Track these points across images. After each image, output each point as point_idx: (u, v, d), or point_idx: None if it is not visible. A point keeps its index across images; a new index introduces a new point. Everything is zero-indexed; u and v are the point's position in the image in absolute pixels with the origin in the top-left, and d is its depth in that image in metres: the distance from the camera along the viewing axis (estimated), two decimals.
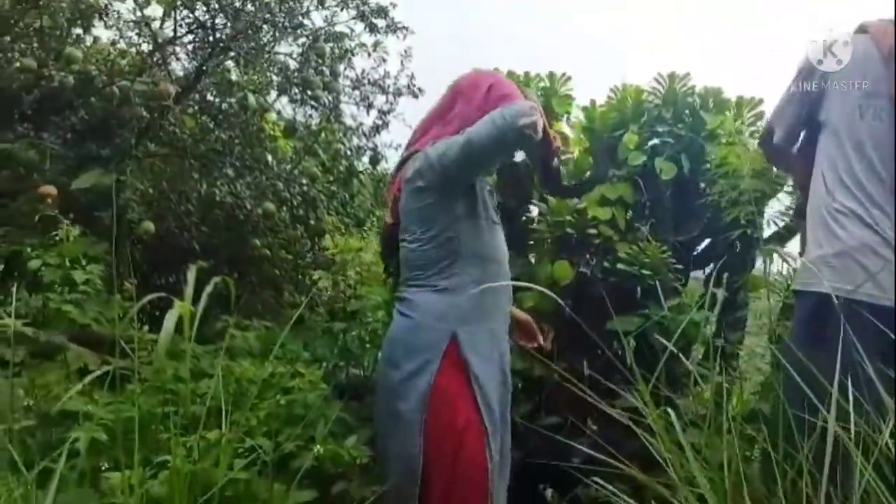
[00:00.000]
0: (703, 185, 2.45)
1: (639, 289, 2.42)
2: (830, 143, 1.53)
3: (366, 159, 2.86)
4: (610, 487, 1.43)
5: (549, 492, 2.42)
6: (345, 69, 2.93)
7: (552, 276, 2.51)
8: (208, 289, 1.74)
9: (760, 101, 2.35)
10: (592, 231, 2.51)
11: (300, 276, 2.72)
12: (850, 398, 1.05)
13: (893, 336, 1.21)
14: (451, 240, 1.62)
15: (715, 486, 1.23)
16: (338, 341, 2.21)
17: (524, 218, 2.86)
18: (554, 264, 2.55)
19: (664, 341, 1.45)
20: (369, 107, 2.83)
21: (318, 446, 1.38)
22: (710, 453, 1.58)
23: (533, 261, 2.77)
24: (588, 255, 2.54)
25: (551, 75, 2.76)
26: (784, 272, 2.15)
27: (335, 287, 2.87)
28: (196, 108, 3.00)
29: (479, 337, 1.64)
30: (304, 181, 2.70)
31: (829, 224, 1.47)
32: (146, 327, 2.60)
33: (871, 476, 0.98)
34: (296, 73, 2.79)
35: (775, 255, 2.17)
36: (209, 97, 3.06)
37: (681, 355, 1.53)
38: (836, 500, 1.06)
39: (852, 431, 1.02)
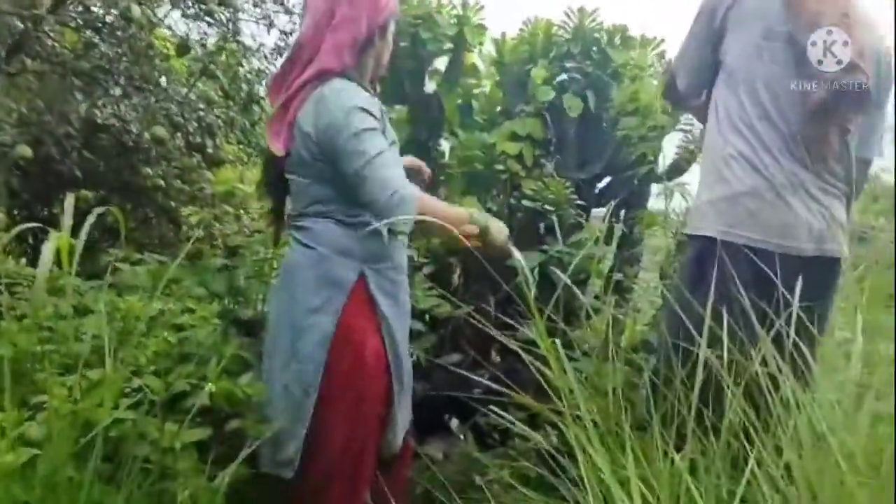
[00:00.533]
0: (605, 123, 2.48)
1: (542, 225, 2.47)
2: (726, 85, 1.53)
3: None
4: (506, 416, 1.49)
5: (453, 421, 2.49)
6: None
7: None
8: (90, 219, 1.62)
9: (662, 41, 2.39)
10: (500, 167, 2.51)
11: (199, 209, 2.58)
12: (725, 329, 1.11)
13: (776, 277, 1.27)
14: (349, 190, 1.51)
15: (601, 411, 1.29)
16: (231, 278, 2.13)
17: (434, 152, 2.82)
18: (462, 199, 2.55)
19: (560, 274, 1.48)
20: (270, 26, 2.64)
21: (210, 384, 1.33)
22: (599, 381, 1.66)
23: (443, 196, 2.76)
24: (495, 191, 2.55)
25: (464, 3, 2.68)
26: (680, 209, 2.24)
27: (237, 221, 2.75)
28: (78, 20, 2.71)
29: (386, 274, 1.60)
30: (201, 105, 2.52)
31: (720, 169, 1.50)
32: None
33: (739, 400, 1.05)
34: None
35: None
36: (93, 8, 2.77)
37: (575, 289, 1.58)
38: (707, 422, 1.13)
39: (724, 359, 1.09)
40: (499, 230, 1.61)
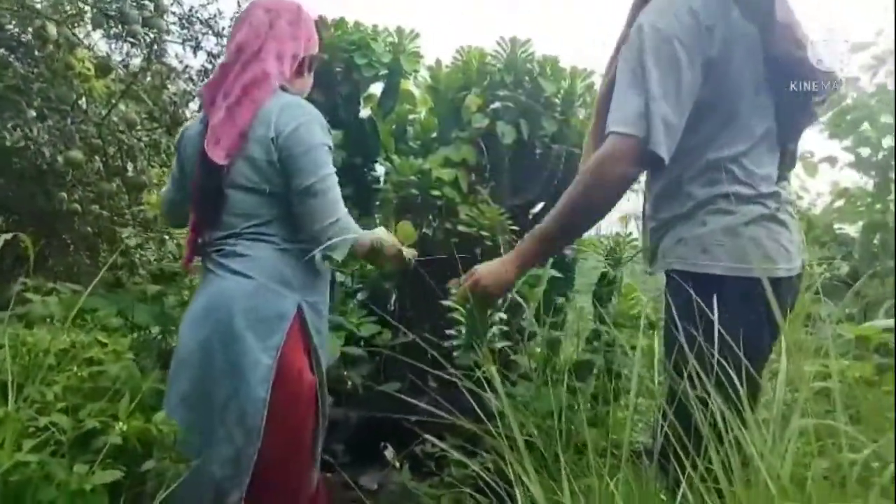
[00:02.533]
0: (539, 150, 2.52)
1: (479, 250, 2.47)
2: (709, 122, 1.32)
3: (194, 106, 2.59)
4: (440, 444, 1.46)
5: (388, 450, 2.42)
6: (171, 4, 2.62)
7: (396, 237, 2.49)
8: None
9: (592, 73, 2.45)
10: (436, 193, 2.51)
11: (117, 236, 2.44)
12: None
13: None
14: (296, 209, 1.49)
15: (542, 433, 1.27)
16: (161, 307, 2.02)
17: (370, 177, 2.80)
18: (397, 225, 2.52)
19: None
20: (197, 48, 2.55)
21: (121, 422, 1.24)
22: (538, 404, 1.65)
23: (378, 222, 2.73)
24: (431, 217, 2.54)
25: (399, 31, 2.69)
26: (609, 233, 2.29)
27: (162, 247, 2.62)
28: None
29: (317, 307, 1.57)
30: (121, 128, 2.40)
31: (712, 203, 1.33)
32: None
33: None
34: (111, 5, 2.45)
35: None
36: (7, 27, 2.63)
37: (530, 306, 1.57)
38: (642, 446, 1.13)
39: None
40: (391, 244, 1.65)
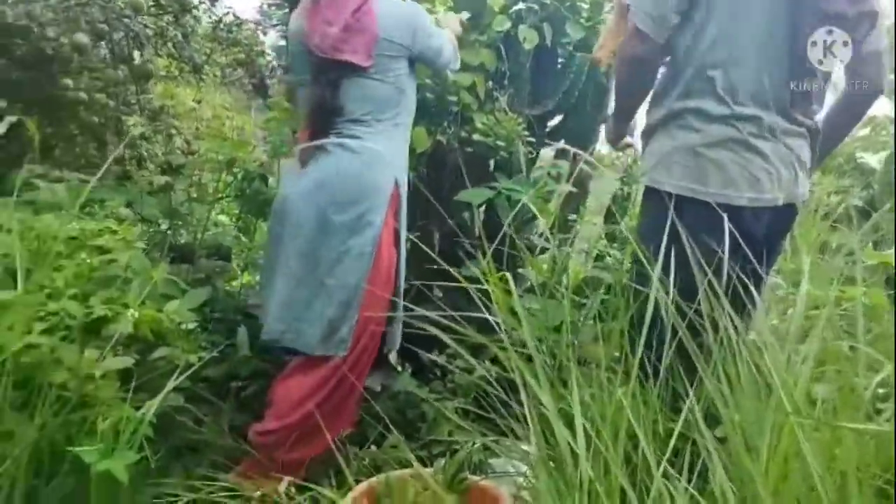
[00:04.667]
0: (561, 58, 2.41)
1: (493, 161, 2.42)
2: (694, 27, 1.30)
3: None
4: (453, 345, 1.47)
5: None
6: None
7: (410, 143, 2.43)
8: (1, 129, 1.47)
9: None
10: (452, 98, 2.42)
11: (124, 127, 2.37)
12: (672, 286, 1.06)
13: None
14: (402, 91, 1.83)
15: (543, 346, 1.28)
16: (168, 201, 2.00)
17: None
18: (412, 130, 2.46)
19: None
20: None
21: (132, 310, 1.25)
22: (545, 317, 1.66)
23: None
24: (446, 123, 2.46)
25: None
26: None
27: (169, 141, 2.57)
28: None
29: (405, 183, 1.88)
30: (127, 13, 2.29)
31: (680, 117, 1.33)
32: None
33: (685, 334, 1.04)
34: None
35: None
36: None
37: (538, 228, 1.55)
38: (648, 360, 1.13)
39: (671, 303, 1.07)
40: (454, 27, 2.12)
